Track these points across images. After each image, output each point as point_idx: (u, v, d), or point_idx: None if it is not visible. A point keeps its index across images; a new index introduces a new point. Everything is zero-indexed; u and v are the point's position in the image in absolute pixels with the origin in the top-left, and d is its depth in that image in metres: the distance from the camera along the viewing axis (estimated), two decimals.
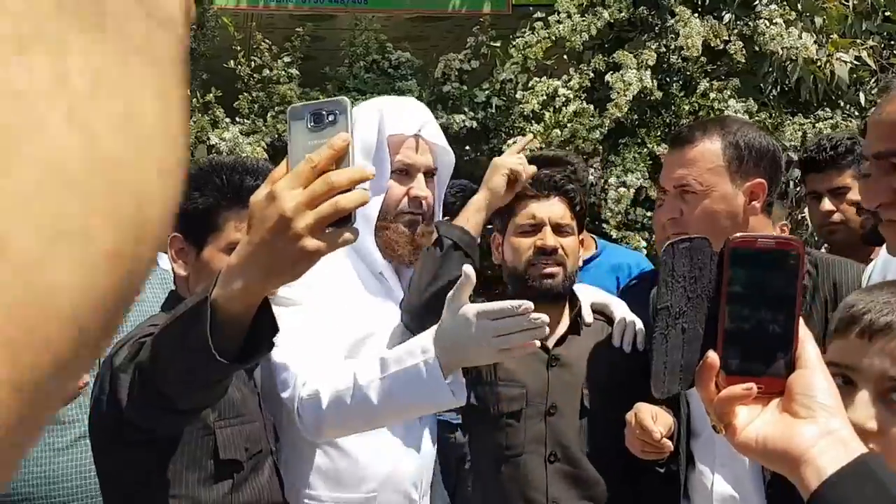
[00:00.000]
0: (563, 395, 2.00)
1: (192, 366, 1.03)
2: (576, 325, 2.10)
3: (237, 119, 4.90)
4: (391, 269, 1.99)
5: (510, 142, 4.35)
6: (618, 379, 1.99)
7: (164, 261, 2.81)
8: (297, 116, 1.00)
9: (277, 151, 4.88)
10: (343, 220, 0.97)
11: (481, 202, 2.00)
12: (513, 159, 2.03)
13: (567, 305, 2.13)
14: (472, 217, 1.97)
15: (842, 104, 5.03)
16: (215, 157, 1.64)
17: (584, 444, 1.99)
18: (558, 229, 2.08)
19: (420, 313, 1.86)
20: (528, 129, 4.96)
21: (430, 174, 2.01)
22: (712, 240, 1.84)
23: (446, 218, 2.10)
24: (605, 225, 4.75)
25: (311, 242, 0.93)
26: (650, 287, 2.66)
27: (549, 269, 2.04)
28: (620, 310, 2.15)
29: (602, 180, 4.90)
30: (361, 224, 1.93)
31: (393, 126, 1.94)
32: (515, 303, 1.55)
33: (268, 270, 0.96)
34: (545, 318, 1.54)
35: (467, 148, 5.14)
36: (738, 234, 0.88)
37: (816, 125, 4.39)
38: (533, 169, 2.05)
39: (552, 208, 2.09)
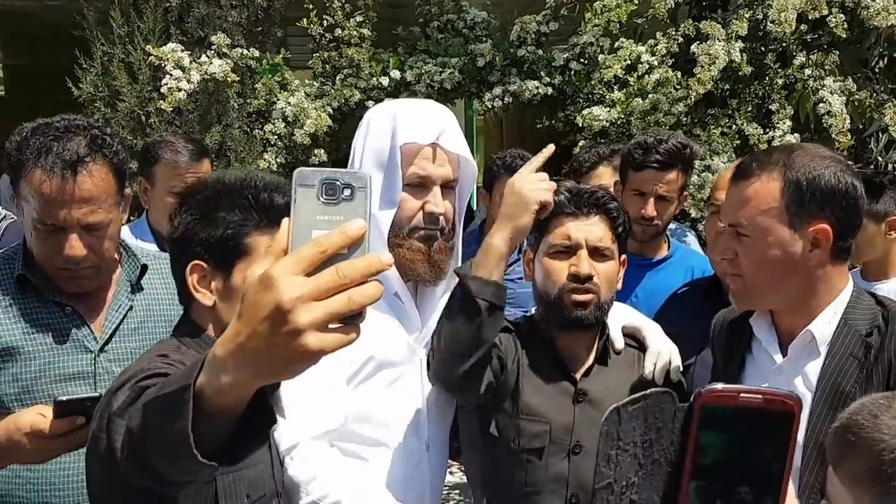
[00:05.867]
0: (589, 434, 1.84)
1: (176, 457, 0.92)
2: (604, 355, 1.94)
3: (307, 81, 4.81)
4: (407, 289, 1.87)
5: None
6: None
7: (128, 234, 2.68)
8: (305, 182, 0.84)
9: (345, 117, 4.79)
10: (353, 316, 0.82)
11: (502, 247, 1.73)
12: (540, 186, 1.75)
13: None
14: (495, 268, 1.72)
15: None
16: (230, 172, 1.50)
17: None
18: (596, 252, 1.90)
19: (458, 386, 1.75)
20: (608, 97, 4.71)
21: (448, 186, 1.86)
22: (770, 288, 1.67)
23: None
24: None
25: (313, 340, 0.78)
26: (698, 296, 2.48)
27: (581, 298, 1.88)
28: (654, 336, 1.97)
29: None
30: (376, 240, 1.84)
31: (407, 134, 1.80)
32: None
33: (258, 367, 0.82)
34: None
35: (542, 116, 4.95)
36: (714, 387, 0.72)
37: None
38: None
39: (591, 229, 1.91)
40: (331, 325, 0.80)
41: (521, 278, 3.69)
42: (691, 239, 3.46)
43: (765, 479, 0.71)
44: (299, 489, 1.61)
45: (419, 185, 1.82)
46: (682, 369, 1.98)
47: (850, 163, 1.72)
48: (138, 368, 1.25)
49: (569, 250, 1.91)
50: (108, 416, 1.11)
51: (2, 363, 1.79)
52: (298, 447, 1.63)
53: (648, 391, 0.74)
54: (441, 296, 1.93)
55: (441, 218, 1.84)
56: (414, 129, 1.81)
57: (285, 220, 0.83)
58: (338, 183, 0.83)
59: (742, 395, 0.72)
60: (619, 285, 1.99)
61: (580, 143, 4.55)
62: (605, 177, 3.06)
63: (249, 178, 1.46)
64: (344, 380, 1.76)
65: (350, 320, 0.81)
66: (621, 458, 0.74)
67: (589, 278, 1.88)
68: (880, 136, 4.33)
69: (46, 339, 1.81)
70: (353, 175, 0.84)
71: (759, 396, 0.72)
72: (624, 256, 2.00)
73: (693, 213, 4.42)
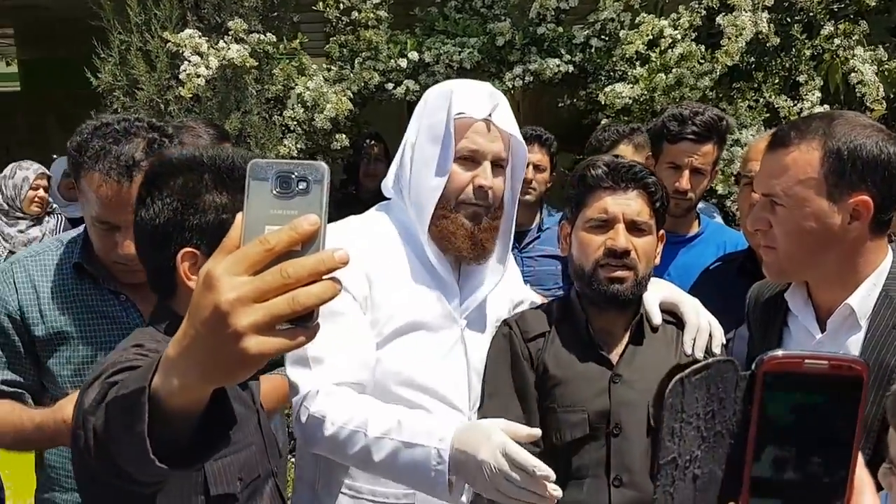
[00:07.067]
0: (627, 414, 1.81)
1: (137, 460, 0.89)
2: (638, 334, 1.89)
3: (324, 65, 4.76)
4: (446, 261, 1.87)
5: None
6: None
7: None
8: (258, 175, 0.79)
9: (365, 100, 4.74)
10: (304, 318, 0.77)
11: None
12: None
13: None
14: None
15: None
16: (197, 150, 1.45)
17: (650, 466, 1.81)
18: (633, 227, 1.87)
19: None
20: (630, 73, 4.62)
21: (499, 164, 1.86)
22: (805, 261, 1.61)
23: None
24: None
25: (253, 344, 0.74)
26: (731, 270, 2.42)
27: (617, 273, 1.84)
28: (692, 311, 1.92)
29: None
30: (414, 214, 1.84)
31: (461, 107, 1.82)
32: (541, 466, 1.44)
33: (202, 369, 0.79)
34: (558, 493, 1.45)
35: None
36: (776, 353, 0.67)
37: None
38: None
39: (629, 203, 1.87)
40: (280, 327, 0.75)
41: (541, 256, 3.65)
42: (718, 218, 3.40)
43: (834, 447, 0.67)
44: (321, 424, 1.63)
45: (470, 159, 1.83)
46: (725, 343, 1.93)
47: (891, 132, 1.65)
48: (111, 362, 1.21)
49: (606, 224, 1.87)
50: (81, 413, 1.07)
51: (57, 346, 1.87)
52: (319, 391, 1.66)
53: (711, 360, 0.69)
54: (486, 276, 1.92)
55: (490, 193, 1.84)
56: (468, 102, 1.83)
57: (239, 215, 0.79)
58: (292, 176, 0.79)
59: (807, 361, 0.68)
60: (658, 260, 1.95)
61: (602, 122, 4.47)
62: (626, 155, 3.01)
63: (225, 155, 1.41)
64: (374, 340, 1.78)
65: (300, 322, 0.77)
66: (685, 431, 0.70)
67: (626, 253, 1.84)
68: None
69: (99, 325, 1.89)
70: (310, 167, 0.79)
71: (825, 362, 0.67)
72: (662, 231, 1.96)
73: (720, 188, 4.33)
